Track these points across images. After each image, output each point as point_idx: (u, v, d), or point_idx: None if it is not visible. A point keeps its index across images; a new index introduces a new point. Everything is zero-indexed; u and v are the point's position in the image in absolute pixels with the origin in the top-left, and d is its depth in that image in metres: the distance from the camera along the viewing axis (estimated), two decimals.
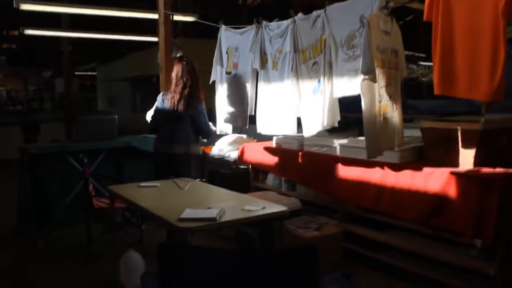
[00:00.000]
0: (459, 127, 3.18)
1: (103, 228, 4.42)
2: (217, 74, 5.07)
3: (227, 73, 4.97)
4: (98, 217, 4.47)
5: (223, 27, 5.03)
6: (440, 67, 3.04)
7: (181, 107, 4.21)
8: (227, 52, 4.96)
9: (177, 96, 4.24)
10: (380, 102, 3.21)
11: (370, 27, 3.09)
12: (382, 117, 3.25)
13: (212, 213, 2.71)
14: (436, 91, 3.10)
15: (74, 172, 5.03)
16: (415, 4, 5.38)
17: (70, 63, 12.05)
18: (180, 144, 4.25)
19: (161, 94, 4.54)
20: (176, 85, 4.28)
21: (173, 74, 4.36)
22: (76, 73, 20.05)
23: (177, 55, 6.10)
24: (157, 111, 4.50)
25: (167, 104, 4.31)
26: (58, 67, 14.62)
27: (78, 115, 10.19)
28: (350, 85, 3.63)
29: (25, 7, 5.67)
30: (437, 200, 3.15)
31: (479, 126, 3.10)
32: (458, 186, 3.03)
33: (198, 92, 4.31)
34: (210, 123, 4.50)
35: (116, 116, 5.71)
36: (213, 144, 5.74)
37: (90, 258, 4.29)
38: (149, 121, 5.61)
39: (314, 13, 3.95)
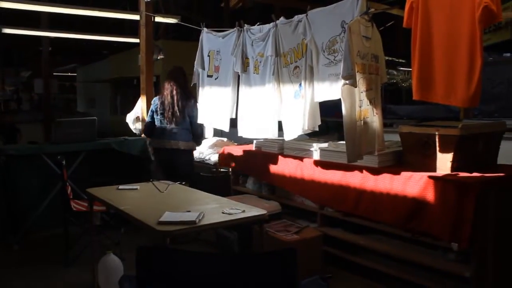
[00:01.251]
0: (437, 132, 3.23)
1: (82, 231, 4.37)
2: (199, 77, 5.06)
3: (209, 76, 4.96)
4: (76, 220, 4.42)
5: (204, 30, 5.02)
6: (418, 73, 3.09)
7: (180, 107, 4.85)
8: (208, 55, 4.95)
9: (176, 97, 4.86)
10: (360, 107, 3.24)
11: (351, 33, 3.11)
12: (362, 121, 3.27)
13: (191, 216, 2.70)
14: (415, 96, 3.15)
15: (52, 175, 4.96)
16: (396, 11, 5.45)
17: (49, 64, 11.89)
18: (183, 141, 4.90)
19: (157, 97, 5.08)
20: (171, 89, 4.91)
21: (166, 87, 4.96)
22: (56, 73, 19.76)
23: (158, 57, 6.10)
24: (155, 112, 5.03)
25: (167, 105, 4.89)
26: (37, 67, 14.40)
27: (57, 117, 10.06)
28: (331, 89, 3.66)
29: (3, 4, 5.59)
30: (415, 204, 3.18)
31: (457, 132, 3.14)
32: (436, 191, 3.07)
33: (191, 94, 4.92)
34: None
35: (96, 118, 5.65)
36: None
37: (68, 261, 4.24)
38: (129, 123, 5.66)
39: (296, 17, 3.97)
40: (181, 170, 4.84)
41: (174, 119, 4.88)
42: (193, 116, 4.95)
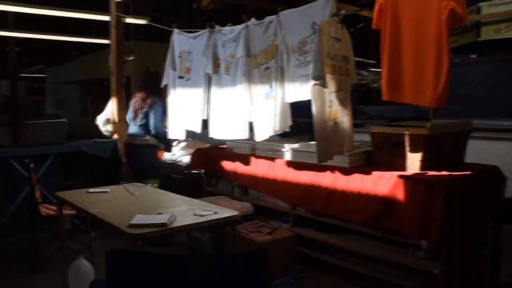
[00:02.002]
0: (406, 132, 3.28)
1: (51, 236, 4.29)
2: (170, 78, 5.03)
3: (180, 77, 4.94)
4: (45, 225, 4.32)
5: (175, 30, 4.99)
6: (387, 73, 3.14)
7: (140, 104, 5.11)
8: (179, 56, 4.93)
9: (139, 96, 5.16)
10: (330, 107, 3.27)
11: (322, 34, 3.14)
12: (332, 122, 3.30)
13: (163, 218, 2.68)
14: (384, 97, 3.20)
15: (20, 178, 4.84)
16: (366, 12, 5.53)
17: (17, 65, 11.62)
18: (140, 136, 5.15)
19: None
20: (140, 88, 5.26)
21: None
22: (23, 75, 19.32)
23: (129, 58, 6.04)
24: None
25: (132, 104, 5.27)
26: (3, 68, 14.05)
27: (25, 119, 9.83)
28: (302, 90, 3.69)
29: None
30: (386, 203, 3.23)
31: (426, 131, 3.20)
32: (406, 189, 3.12)
33: (154, 92, 5.13)
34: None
35: (65, 120, 5.55)
36: (166, 150, 5.70)
37: (37, 267, 4.14)
38: (100, 125, 5.66)
39: (267, 18, 3.99)
40: (141, 164, 5.17)
41: (135, 117, 5.16)
42: (152, 115, 5.08)
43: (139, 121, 5.11)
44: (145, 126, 5.11)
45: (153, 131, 5.09)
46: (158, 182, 5.06)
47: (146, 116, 5.08)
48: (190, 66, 4.83)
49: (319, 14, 3.53)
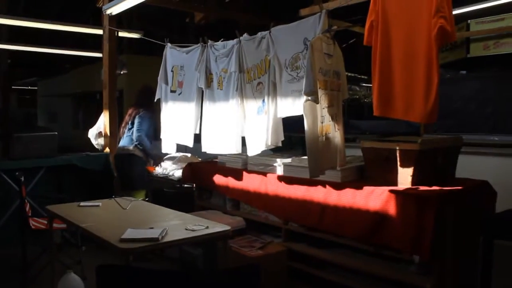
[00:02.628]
0: (397, 147, 3.29)
1: (41, 250, 4.25)
2: (162, 92, 5.04)
3: (172, 91, 4.96)
4: (35, 239, 4.29)
5: (168, 45, 5.01)
6: (378, 89, 3.17)
7: (129, 117, 5.37)
8: (172, 71, 4.95)
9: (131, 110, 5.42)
10: (322, 122, 3.28)
11: (313, 50, 3.17)
12: (324, 137, 3.32)
13: (154, 233, 2.67)
14: (375, 112, 3.22)
15: (10, 191, 4.81)
16: (357, 28, 5.60)
17: (8, 77, 11.58)
18: (125, 145, 5.34)
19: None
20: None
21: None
22: (15, 87, 19.25)
23: (122, 72, 6.05)
24: None
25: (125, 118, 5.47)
26: None
27: (16, 131, 9.77)
28: (294, 105, 3.70)
29: None
30: (377, 218, 3.23)
31: (417, 147, 3.22)
32: (397, 204, 3.13)
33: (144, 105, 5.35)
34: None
35: (56, 133, 5.54)
36: (157, 164, 5.68)
37: (26, 281, 4.10)
38: (91, 139, 5.68)
39: (259, 34, 4.02)
40: (127, 174, 5.33)
41: (123, 129, 5.43)
42: (135, 126, 5.33)
43: (126, 132, 5.40)
44: (130, 136, 5.37)
45: (135, 142, 5.27)
46: (143, 195, 5.05)
47: (131, 127, 5.38)
48: (182, 80, 4.85)
49: (311, 30, 3.57)
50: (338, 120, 3.49)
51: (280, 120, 3.95)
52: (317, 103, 3.17)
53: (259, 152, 4.10)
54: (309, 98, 3.10)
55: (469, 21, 6.41)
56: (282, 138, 4.00)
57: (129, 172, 5.25)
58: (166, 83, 5.00)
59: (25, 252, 4.17)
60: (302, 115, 3.20)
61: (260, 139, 4.00)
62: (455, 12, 3.28)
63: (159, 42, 5.15)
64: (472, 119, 6.70)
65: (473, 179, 3.57)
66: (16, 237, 4.44)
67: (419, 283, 3.12)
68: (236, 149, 4.28)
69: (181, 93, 4.85)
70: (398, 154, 3.29)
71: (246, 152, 4.23)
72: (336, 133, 3.47)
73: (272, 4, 10.18)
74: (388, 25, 3.15)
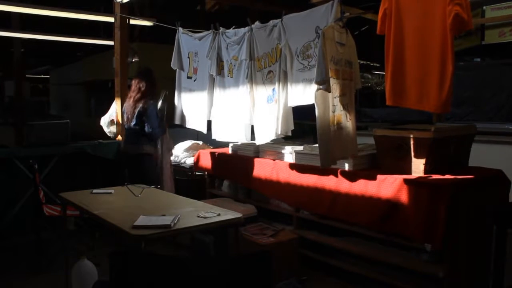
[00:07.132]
0: (411, 136, 3.27)
1: (55, 237, 4.30)
2: (180, 78, 5.08)
3: (189, 77, 4.97)
4: (49, 225, 4.34)
5: (180, 29, 5.01)
6: (391, 79, 3.14)
7: (132, 108, 4.72)
8: (188, 57, 4.95)
9: (130, 100, 4.79)
10: (334, 112, 3.26)
11: (325, 38, 3.14)
12: (335, 126, 3.30)
13: (166, 220, 2.68)
14: (388, 102, 3.20)
15: (24, 179, 4.86)
16: (370, 15, 5.52)
17: (21, 65, 11.64)
18: (130, 144, 4.82)
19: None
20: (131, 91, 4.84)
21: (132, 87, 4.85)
22: (28, 76, 19.36)
23: (133, 60, 6.05)
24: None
25: (126, 107, 4.88)
26: (8, 69, 14.07)
27: (29, 119, 9.86)
28: (305, 94, 3.69)
29: None
30: (389, 206, 3.23)
31: (430, 135, 3.20)
32: (409, 193, 3.12)
33: (148, 94, 4.73)
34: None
35: (69, 121, 5.57)
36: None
37: (40, 267, 4.16)
38: (104, 126, 5.62)
39: (271, 22, 4.00)
40: (139, 175, 4.52)
41: (128, 121, 4.82)
42: (145, 118, 4.67)
43: (132, 125, 4.74)
44: (137, 131, 4.72)
45: (149, 130, 4.66)
46: None
47: (138, 121, 4.69)
48: (197, 66, 4.87)
49: (323, 19, 3.54)
50: (350, 110, 3.47)
51: (291, 109, 3.94)
52: (329, 92, 3.14)
53: (268, 140, 4.10)
54: (321, 87, 3.08)
55: (484, 7, 6.30)
56: (292, 127, 4.00)
57: (143, 172, 4.76)
58: (182, 69, 5.02)
59: (39, 238, 4.22)
60: (313, 104, 3.18)
61: (269, 128, 4.00)
62: None
63: (171, 27, 5.15)
64: (486, 107, 6.63)
65: (486, 168, 3.54)
66: (30, 224, 4.50)
67: (431, 272, 3.13)
68: (245, 137, 4.29)
69: (196, 79, 4.86)
70: (411, 143, 3.27)
71: (254, 140, 4.24)
72: (348, 123, 3.45)
73: None
74: (401, 13, 3.11)
